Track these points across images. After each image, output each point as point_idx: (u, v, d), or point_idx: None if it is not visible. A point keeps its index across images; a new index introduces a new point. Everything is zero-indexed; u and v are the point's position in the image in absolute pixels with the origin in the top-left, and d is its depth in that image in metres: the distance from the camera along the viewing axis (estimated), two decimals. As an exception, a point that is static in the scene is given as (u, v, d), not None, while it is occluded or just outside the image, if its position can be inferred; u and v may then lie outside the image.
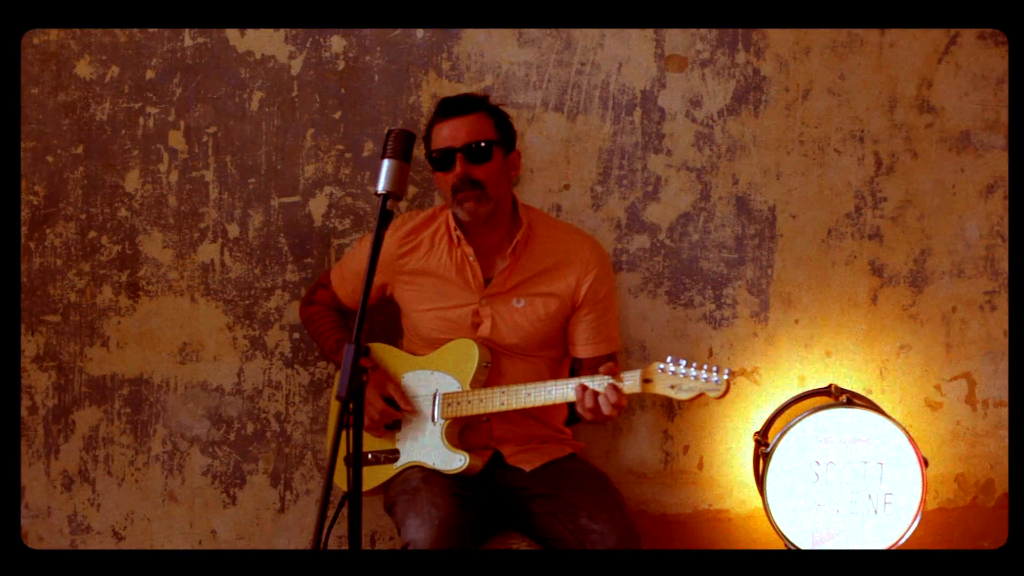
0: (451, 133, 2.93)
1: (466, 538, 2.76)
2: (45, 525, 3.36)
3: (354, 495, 2.43)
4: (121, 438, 3.36)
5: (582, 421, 2.90)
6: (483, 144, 2.92)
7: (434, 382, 2.98)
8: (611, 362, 2.86)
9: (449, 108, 2.97)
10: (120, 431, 3.35)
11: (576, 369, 3.09)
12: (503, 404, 2.89)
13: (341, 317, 3.19)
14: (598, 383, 2.79)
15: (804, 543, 3.09)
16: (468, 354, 2.96)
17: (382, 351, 3.09)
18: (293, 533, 3.40)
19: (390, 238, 3.03)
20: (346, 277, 3.15)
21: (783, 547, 3.13)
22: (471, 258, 2.99)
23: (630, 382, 2.78)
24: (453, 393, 2.95)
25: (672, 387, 2.74)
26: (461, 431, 2.99)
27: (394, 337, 3.19)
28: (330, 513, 2.45)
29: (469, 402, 2.92)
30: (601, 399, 2.77)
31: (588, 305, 3.02)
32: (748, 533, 3.43)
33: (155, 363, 3.34)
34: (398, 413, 2.98)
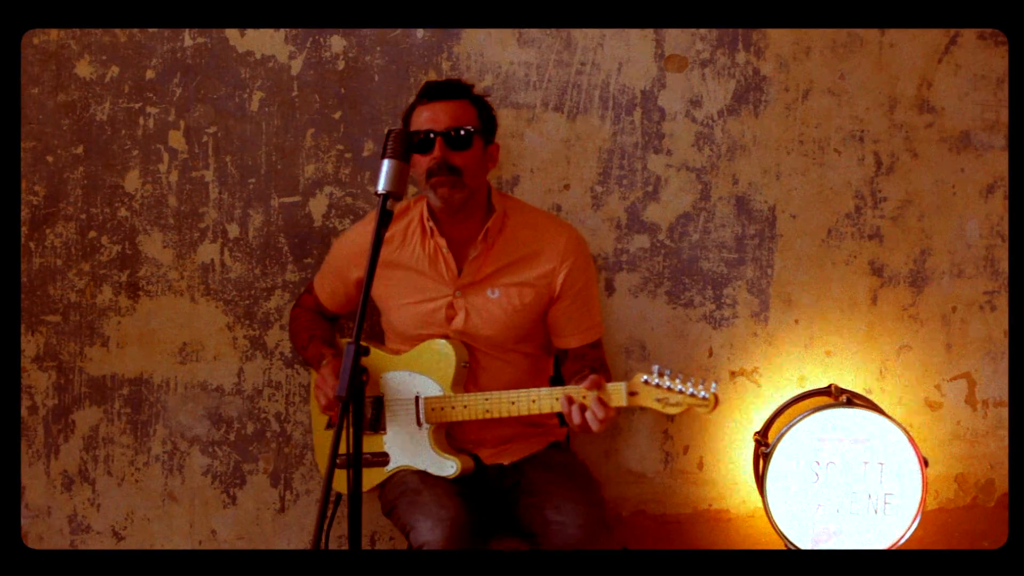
0: (432, 116, 2.89)
1: (476, 537, 2.75)
2: (45, 525, 3.36)
3: (354, 495, 2.43)
4: (121, 438, 3.36)
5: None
6: (465, 131, 2.88)
7: (414, 385, 2.94)
8: (595, 375, 2.75)
9: (432, 91, 2.92)
10: (120, 431, 3.35)
11: (561, 359, 3.06)
12: (488, 412, 2.86)
13: (319, 317, 3.17)
14: (584, 395, 2.72)
15: (804, 543, 3.09)
16: (444, 354, 2.92)
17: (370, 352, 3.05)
18: (293, 533, 3.39)
19: (364, 231, 3.01)
20: (324, 277, 3.13)
21: (783, 547, 3.13)
22: (444, 249, 2.95)
23: (615, 395, 2.71)
24: (436, 398, 2.91)
25: (659, 400, 2.69)
26: (447, 433, 2.98)
27: (382, 337, 3.18)
28: (330, 513, 2.45)
29: (453, 408, 2.88)
30: (588, 415, 2.70)
31: (567, 296, 2.98)
32: (748, 533, 3.43)
33: (155, 363, 3.34)
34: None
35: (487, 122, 2.97)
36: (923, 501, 3.08)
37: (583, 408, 2.71)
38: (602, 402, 2.69)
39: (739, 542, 3.43)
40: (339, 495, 3.07)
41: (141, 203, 3.31)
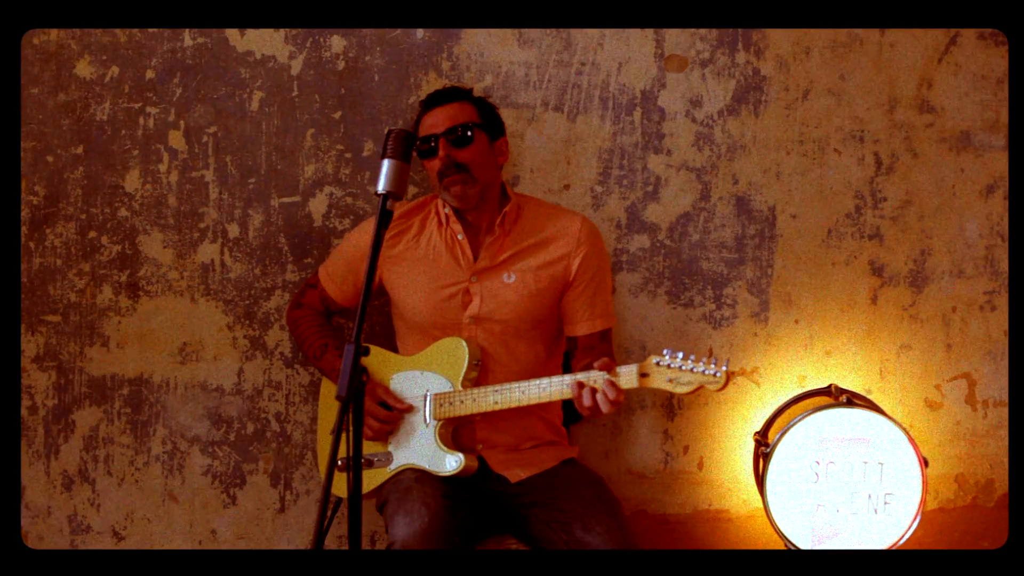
0: (433, 122, 2.96)
1: (454, 540, 2.73)
2: (45, 525, 3.36)
3: (354, 496, 2.43)
4: (121, 438, 3.36)
5: (581, 420, 2.88)
6: (463, 127, 2.93)
7: (424, 383, 2.94)
8: (606, 357, 2.76)
9: (432, 99, 3.01)
10: (120, 431, 3.35)
11: (572, 348, 3.07)
12: (496, 403, 2.84)
13: (327, 321, 3.16)
14: (594, 378, 2.73)
15: (804, 543, 3.09)
16: (457, 352, 2.91)
17: (370, 353, 3.04)
18: (293, 533, 3.40)
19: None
20: (334, 271, 3.12)
21: (783, 547, 3.13)
22: (460, 236, 2.98)
23: (626, 377, 2.71)
24: (445, 393, 2.90)
25: (670, 380, 2.68)
26: (453, 432, 2.96)
27: (392, 338, 3.18)
28: (329, 514, 2.44)
29: (462, 402, 2.88)
30: (599, 396, 2.71)
31: (581, 282, 3.00)
32: (748, 533, 3.43)
33: (155, 363, 3.34)
34: (397, 414, 2.94)
35: (489, 117, 3.02)
36: (923, 501, 3.08)
37: (594, 392, 2.72)
38: (613, 384, 2.70)
39: (739, 542, 3.43)
40: (339, 499, 3.07)
41: (141, 203, 3.31)
